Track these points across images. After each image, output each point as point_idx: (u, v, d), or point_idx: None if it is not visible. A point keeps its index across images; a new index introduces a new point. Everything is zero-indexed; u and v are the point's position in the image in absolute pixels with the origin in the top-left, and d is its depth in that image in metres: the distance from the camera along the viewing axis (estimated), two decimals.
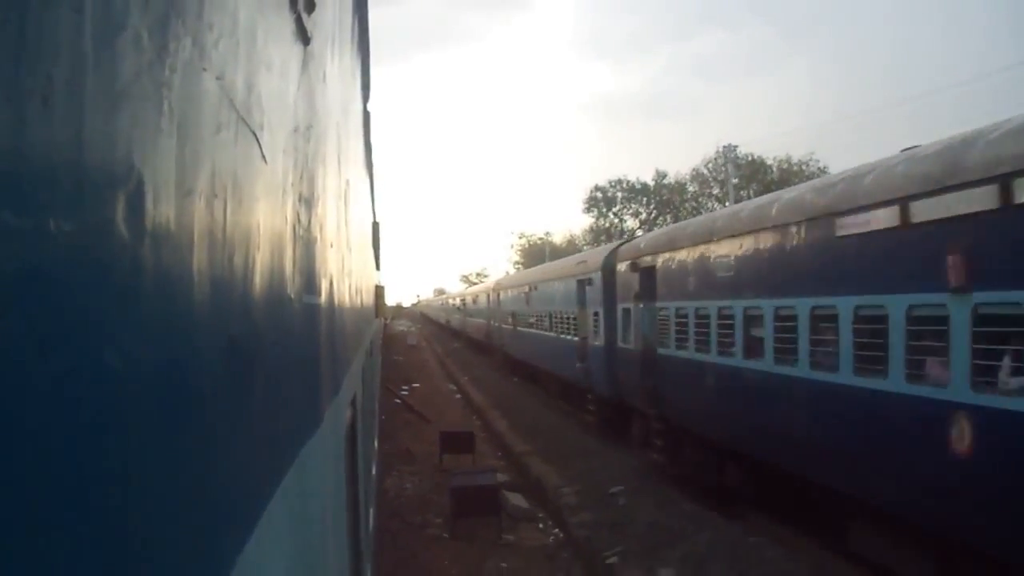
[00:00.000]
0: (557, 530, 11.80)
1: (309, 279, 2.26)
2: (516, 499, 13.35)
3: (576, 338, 20.56)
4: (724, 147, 53.51)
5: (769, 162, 59.85)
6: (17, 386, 0.53)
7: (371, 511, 7.43)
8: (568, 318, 21.82)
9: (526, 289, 29.61)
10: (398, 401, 23.73)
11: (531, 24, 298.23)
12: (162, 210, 0.82)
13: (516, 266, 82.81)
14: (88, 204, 0.65)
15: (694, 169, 65.50)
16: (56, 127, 0.59)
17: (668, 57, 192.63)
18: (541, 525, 12.17)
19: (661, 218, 65.27)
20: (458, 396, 28.56)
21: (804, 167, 57.70)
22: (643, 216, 71.09)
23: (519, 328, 30.88)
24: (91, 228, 0.66)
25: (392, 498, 13.01)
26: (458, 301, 70.11)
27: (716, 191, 60.47)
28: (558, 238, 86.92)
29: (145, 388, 0.79)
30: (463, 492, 11.39)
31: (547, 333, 24.95)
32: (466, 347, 52.87)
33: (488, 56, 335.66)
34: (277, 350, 1.62)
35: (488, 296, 42.99)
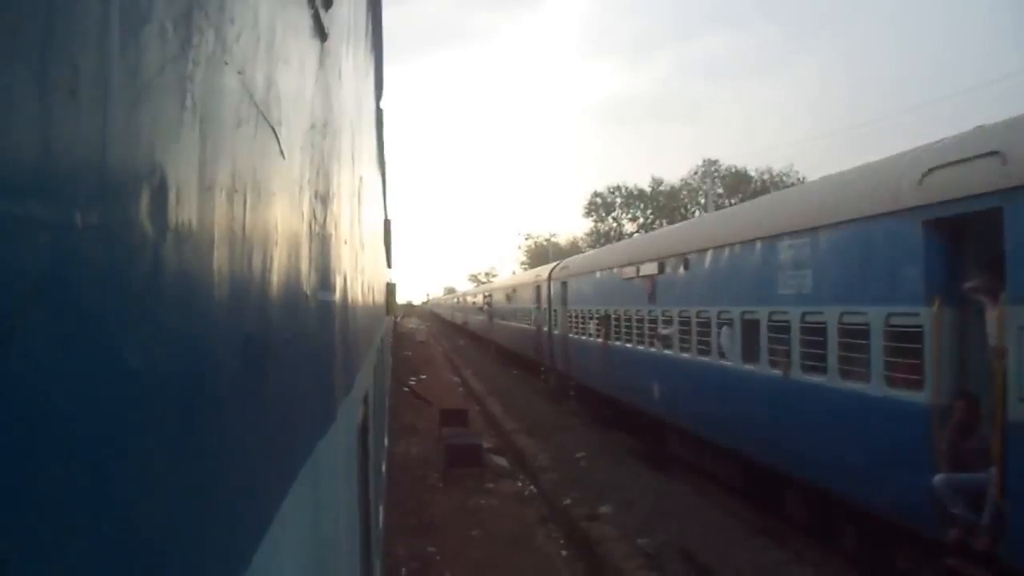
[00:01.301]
0: (532, 486, 14.55)
1: (324, 276, 2.26)
2: (499, 460, 16.17)
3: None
4: (705, 161, 63.83)
5: (752, 173, 66.90)
6: (38, 381, 0.53)
7: (381, 509, 7.44)
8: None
9: (651, 270, 14.70)
10: (406, 389, 25.80)
11: (540, 25, 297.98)
12: (184, 205, 0.82)
13: (523, 266, 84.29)
14: (112, 198, 0.65)
15: (682, 179, 73.31)
16: (83, 120, 0.58)
17: (672, 59, 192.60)
18: (519, 483, 14.98)
19: (658, 222, 68.68)
20: (461, 389, 29.88)
21: (784, 178, 63.74)
22: (641, 221, 75.62)
23: (621, 347, 16.64)
24: (114, 222, 0.65)
25: (400, 459, 15.84)
26: (479, 298, 54.50)
27: (702, 200, 64.42)
28: (562, 240, 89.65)
29: (164, 384, 0.78)
30: (454, 448, 14.50)
31: (738, 367, 10.99)
32: (495, 361, 40.07)
33: (496, 57, 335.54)
34: (293, 347, 1.62)
35: (540, 290, 27.10)
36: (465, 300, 72.10)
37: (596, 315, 18.99)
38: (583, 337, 20.38)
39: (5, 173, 0.49)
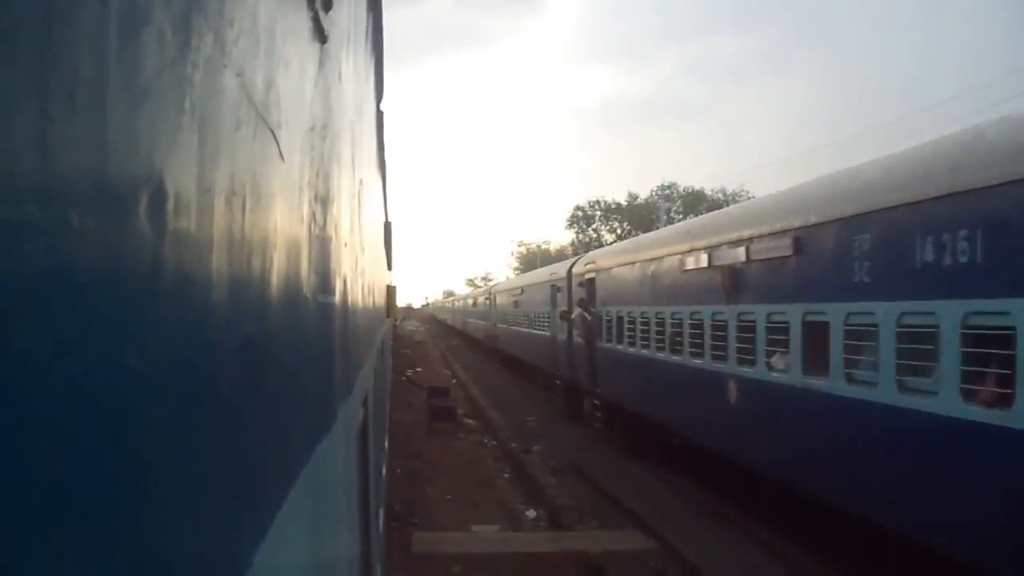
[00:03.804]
0: (495, 442, 20.42)
1: (324, 279, 2.26)
2: (470, 422, 22.79)
3: None
4: (660, 185, 76.57)
5: (708, 193, 76.86)
6: (37, 383, 0.53)
7: (381, 512, 7.42)
8: None
9: None
10: (404, 378, 31.95)
11: (541, 29, 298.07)
12: (183, 208, 0.82)
13: (515, 272, 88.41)
14: (112, 202, 0.65)
15: (644, 199, 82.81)
16: (82, 124, 0.58)
17: (669, 63, 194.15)
18: (485, 440, 20.87)
19: (634, 232, 75.53)
20: (454, 381, 34.67)
21: (737, 198, 71.63)
22: (618, 232, 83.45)
23: None
24: (113, 224, 0.65)
25: (398, 421, 21.16)
26: (526, 294, 29.99)
27: (663, 217, 71.50)
28: (553, 247, 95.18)
29: (165, 386, 0.78)
30: (435, 408, 21.61)
31: None
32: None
33: (497, 61, 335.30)
34: (293, 349, 1.62)
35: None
36: (493, 299, 42.45)
37: None
38: None
39: (4, 178, 0.49)
